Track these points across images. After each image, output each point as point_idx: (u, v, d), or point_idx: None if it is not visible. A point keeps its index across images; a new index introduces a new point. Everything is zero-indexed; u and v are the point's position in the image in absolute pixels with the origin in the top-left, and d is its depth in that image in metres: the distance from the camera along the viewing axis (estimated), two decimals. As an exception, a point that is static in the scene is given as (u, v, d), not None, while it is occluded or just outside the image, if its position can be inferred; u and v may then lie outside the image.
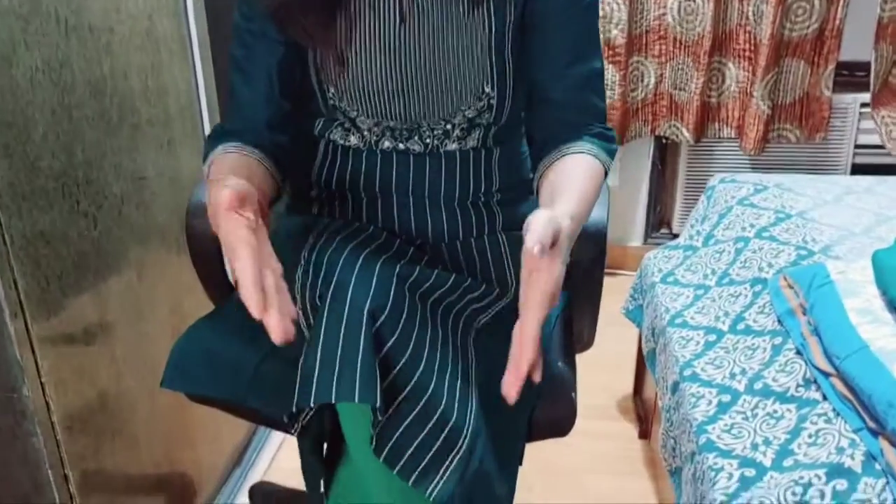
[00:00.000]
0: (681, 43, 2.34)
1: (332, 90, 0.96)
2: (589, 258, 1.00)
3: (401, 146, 0.99)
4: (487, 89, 0.94)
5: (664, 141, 2.55)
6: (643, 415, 1.86)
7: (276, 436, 1.81)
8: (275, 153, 0.99)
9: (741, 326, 1.30)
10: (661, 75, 2.41)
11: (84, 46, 1.07)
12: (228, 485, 1.63)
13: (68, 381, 1.06)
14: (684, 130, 2.43)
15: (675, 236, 2.62)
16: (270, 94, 0.98)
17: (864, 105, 2.32)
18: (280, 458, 1.76)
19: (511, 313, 0.96)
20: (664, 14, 2.33)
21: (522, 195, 1.07)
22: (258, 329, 0.97)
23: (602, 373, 1.88)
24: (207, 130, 1.46)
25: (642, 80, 2.42)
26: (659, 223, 2.74)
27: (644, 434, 1.83)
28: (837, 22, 2.20)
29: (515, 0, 0.92)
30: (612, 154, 0.96)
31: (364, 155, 1.01)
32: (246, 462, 1.71)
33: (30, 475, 1.04)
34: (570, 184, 0.88)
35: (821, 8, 2.20)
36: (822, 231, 1.48)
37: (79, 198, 1.08)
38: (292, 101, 1.00)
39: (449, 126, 0.97)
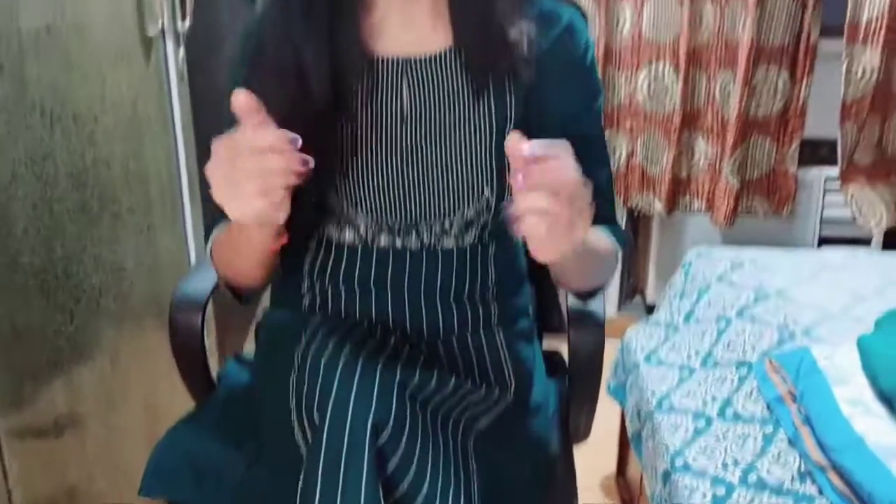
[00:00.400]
0: (651, 119, 2.40)
1: (331, 189, 0.95)
2: (589, 349, 0.99)
3: (397, 244, 0.98)
4: (486, 191, 0.94)
5: (636, 213, 2.59)
6: (628, 497, 1.83)
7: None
8: None
9: (730, 412, 1.30)
10: (633, 149, 2.46)
11: (68, 138, 1.06)
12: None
13: (36, 479, 1.01)
14: (657, 203, 2.47)
15: (650, 306, 2.64)
16: None
17: (828, 180, 2.38)
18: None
19: (511, 416, 0.94)
20: (635, 91, 2.39)
21: (517, 287, 1.06)
22: (244, 432, 0.93)
23: (584, 450, 1.86)
24: (188, 214, 1.44)
25: (615, 154, 2.46)
26: (632, 292, 2.75)
27: (628, 515, 1.80)
28: (801, 102, 2.28)
29: (515, 102, 0.93)
30: (621, 244, 0.98)
31: (359, 252, 0.99)
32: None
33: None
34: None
35: (784, 88, 2.28)
36: (802, 311, 1.49)
37: (57, 293, 1.04)
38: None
39: (447, 224, 0.96)
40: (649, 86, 2.36)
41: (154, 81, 1.29)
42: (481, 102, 0.91)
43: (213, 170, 0.70)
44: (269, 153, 0.68)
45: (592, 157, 0.96)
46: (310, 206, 1.00)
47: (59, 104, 1.03)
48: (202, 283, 1.02)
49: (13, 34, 0.93)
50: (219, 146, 0.69)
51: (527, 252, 1.04)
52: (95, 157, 1.12)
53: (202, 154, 1.48)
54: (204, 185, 1.47)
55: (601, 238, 0.95)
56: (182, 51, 1.35)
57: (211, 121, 1.55)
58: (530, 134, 0.94)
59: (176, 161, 1.39)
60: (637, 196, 2.50)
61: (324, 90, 0.88)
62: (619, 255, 0.99)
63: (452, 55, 0.91)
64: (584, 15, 0.97)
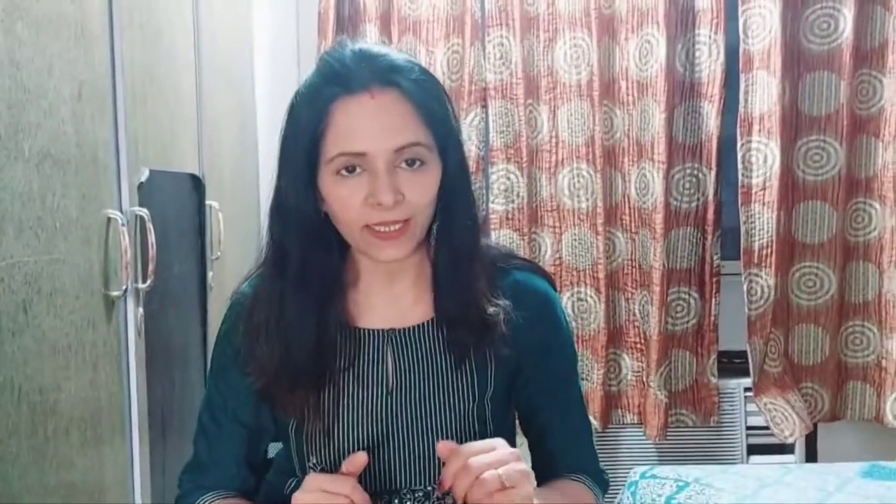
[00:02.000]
0: (578, 337, 2.52)
1: (313, 459, 0.95)
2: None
3: (377, 512, 0.98)
4: None
5: (571, 428, 2.64)
6: None
7: None
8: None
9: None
10: (563, 367, 2.55)
11: (33, 410, 1.04)
12: None
13: None
14: (591, 418, 2.53)
15: (593, 524, 2.61)
16: (238, 471, 1.00)
17: (747, 389, 2.52)
18: None
19: None
20: (560, 312, 2.53)
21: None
22: None
23: None
24: (137, 474, 1.39)
25: (545, 372, 2.55)
26: (574, 511, 2.73)
27: None
28: (712, 318, 2.46)
29: (496, 375, 0.97)
30: (602, 488, 1.02)
31: (339, 520, 0.99)
32: None
33: None
34: (559, 485, 0.98)
35: (696, 306, 2.47)
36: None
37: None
38: (256, 472, 1.02)
39: (430, 488, 0.97)
40: (573, 306, 2.51)
41: (114, 342, 1.30)
42: (462, 370, 0.96)
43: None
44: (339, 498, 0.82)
45: (576, 418, 1.03)
46: (287, 474, 1.00)
47: (27, 380, 1.02)
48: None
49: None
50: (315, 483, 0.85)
51: None
52: (56, 428, 1.10)
53: (152, 406, 1.45)
54: (153, 437, 1.44)
55: (577, 493, 0.99)
56: (141, 310, 1.37)
57: (163, 371, 1.54)
58: (514, 400, 1.01)
59: (129, 416, 1.36)
60: (571, 412, 2.56)
61: (307, 353, 0.92)
62: (601, 498, 1.02)
63: (434, 326, 0.97)
64: (554, 286, 1.05)
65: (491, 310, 0.93)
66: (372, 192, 0.85)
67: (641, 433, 2.54)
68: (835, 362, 2.47)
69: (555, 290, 1.04)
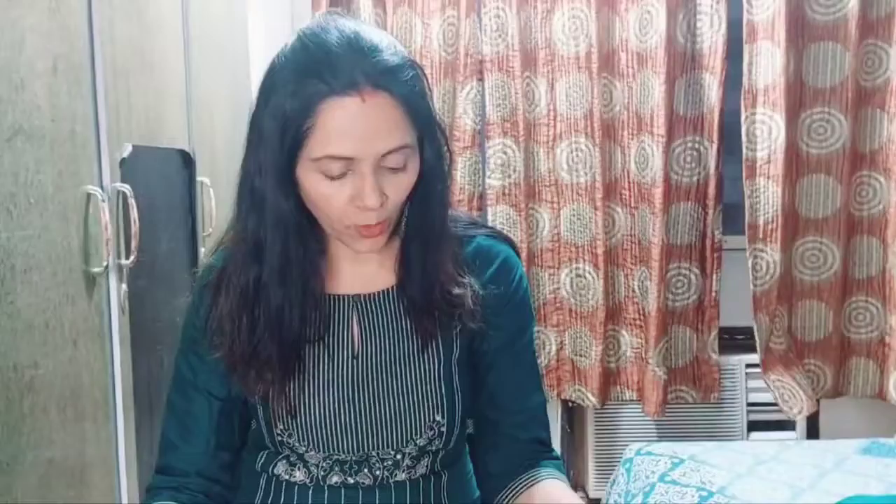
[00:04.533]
0: (577, 314, 2.50)
1: (279, 427, 0.95)
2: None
3: (349, 480, 0.97)
4: (438, 418, 0.96)
5: (570, 405, 2.63)
6: None
7: None
8: (203, 500, 0.97)
9: None
10: (562, 343, 2.53)
11: (7, 387, 1.03)
12: None
13: None
14: (589, 395, 2.52)
15: (593, 500, 2.60)
16: (208, 446, 0.98)
17: (748, 366, 2.50)
18: None
19: None
20: (558, 288, 2.51)
21: (470, 514, 1.05)
22: None
23: None
24: (122, 451, 1.38)
25: (544, 348, 2.53)
26: (574, 487, 2.72)
27: None
28: (713, 294, 2.43)
29: (461, 337, 0.97)
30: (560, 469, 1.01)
31: (310, 492, 0.98)
32: None
33: None
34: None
35: (697, 282, 2.44)
36: (747, 511, 1.52)
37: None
38: (230, 446, 1.00)
39: (399, 456, 0.96)
40: (571, 283, 2.49)
41: (95, 320, 1.29)
42: (428, 342, 0.95)
43: None
44: None
45: (526, 384, 1.01)
46: (259, 442, 1.00)
47: (1, 356, 1.02)
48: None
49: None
50: None
51: (480, 484, 1.05)
52: (34, 405, 1.09)
53: (138, 387, 1.45)
54: (140, 419, 1.44)
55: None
56: (125, 286, 1.36)
57: (148, 352, 1.54)
58: (474, 362, 0.99)
59: (112, 398, 1.35)
60: (570, 388, 2.55)
61: (278, 347, 0.91)
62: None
63: (398, 291, 0.96)
64: (517, 251, 1.05)
65: (456, 291, 0.92)
66: (358, 194, 0.84)
67: (640, 410, 2.53)
68: (838, 338, 2.44)
69: (517, 255, 1.03)
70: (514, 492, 0.98)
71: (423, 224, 0.93)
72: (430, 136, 0.90)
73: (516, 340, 1.01)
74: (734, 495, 1.59)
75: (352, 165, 0.84)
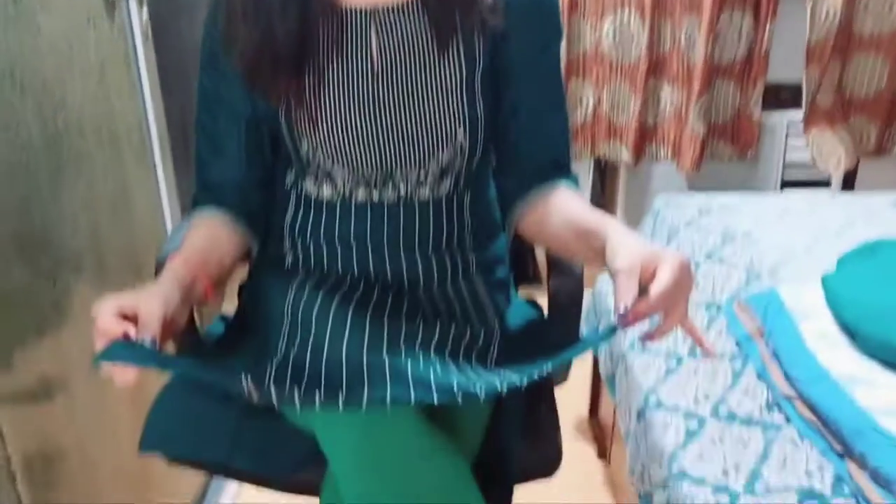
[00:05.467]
0: (617, 67, 2.41)
1: (305, 144, 0.96)
2: (568, 294, 1.02)
3: (375, 197, 1.00)
4: (460, 134, 0.96)
5: (603, 163, 2.62)
6: (600, 436, 1.90)
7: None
8: (247, 214, 1.00)
9: (700, 351, 1.35)
10: (599, 98, 2.47)
11: (39, 104, 1.04)
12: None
13: (29, 441, 1.02)
14: (624, 152, 2.50)
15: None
16: (239, 160, 1.00)
17: (790, 124, 2.43)
18: (241, 498, 1.73)
19: (512, 342, 0.97)
20: (600, 40, 2.40)
21: (492, 237, 1.09)
22: (227, 363, 0.96)
23: (558, 394, 1.91)
24: (161, 176, 1.43)
25: (581, 104, 2.48)
26: (602, 241, 2.80)
27: (602, 454, 1.87)
28: (764, 45, 2.31)
29: (484, 47, 0.94)
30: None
31: (338, 207, 1.01)
32: (208, 507, 1.68)
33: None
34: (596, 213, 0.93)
35: (748, 32, 2.30)
36: (768, 252, 1.55)
37: (38, 259, 1.04)
38: (262, 162, 1.01)
39: (423, 173, 0.98)
40: (614, 34, 2.37)
41: (120, 44, 1.27)
42: (450, 48, 0.93)
43: None
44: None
45: (547, 100, 0.99)
46: (286, 160, 1.02)
47: (28, 72, 1.02)
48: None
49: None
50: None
51: (500, 205, 1.07)
52: (67, 122, 1.11)
53: (172, 116, 1.47)
54: (175, 147, 1.47)
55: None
56: (145, 12, 1.33)
57: (178, 81, 1.53)
58: (496, 79, 0.96)
59: (146, 123, 1.38)
60: (604, 146, 2.53)
61: (290, 34, 0.89)
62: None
63: (418, 3, 0.93)
64: None
65: None
66: None
67: (674, 168, 2.52)
68: (889, 95, 2.34)
69: None
70: (528, 205, 1.00)
71: None
72: None
73: (540, 55, 0.97)
74: (758, 239, 1.61)
75: None
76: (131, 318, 0.76)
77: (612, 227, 0.84)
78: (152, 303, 0.77)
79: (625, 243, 0.79)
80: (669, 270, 0.75)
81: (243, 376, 0.75)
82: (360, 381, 0.78)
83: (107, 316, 0.74)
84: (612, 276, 0.78)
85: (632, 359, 1.44)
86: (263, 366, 0.83)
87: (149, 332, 0.75)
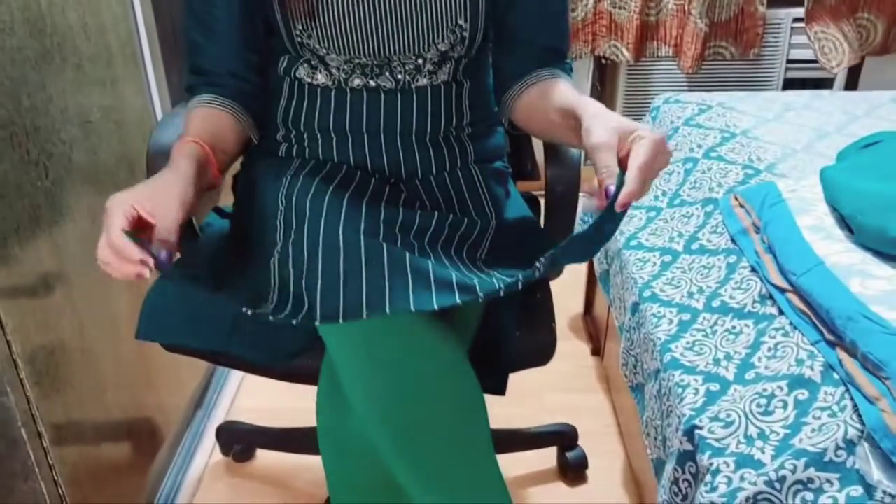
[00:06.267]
0: (619, -40, 2.33)
1: (299, 27, 0.92)
2: (564, 185, 1.01)
3: (371, 83, 0.97)
4: (461, 21, 0.93)
5: (603, 62, 2.56)
6: (594, 334, 1.93)
7: (235, 377, 1.81)
8: (244, 101, 0.98)
9: (695, 246, 1.35)
10: (600, -6, 2.40)
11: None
12: (192, 427, 1.63)
13: (31, 334, 1.03)
14: (624, 50, 2.44)
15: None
16: (232, 45, 0.97)
17: (795, 20, 2.37)
18: (240, 398, 1.76)
19: (504, 238, 0.97)
20: (602, -70, 2.30)
21: (491, 128, 1.07)
22: (230, 275, 0.96)
23: (553, 292, 1.94)
24: (150, 68, 1.39)
25: (582, 0, 2.41)
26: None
27: (596, 352, 1.91)
28: (772, -63, 2.22)
29: None
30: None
31: (333, 93, 0.99)
32: (207, 404, 1.71)
33: (2, 434, 1.02)
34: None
35: (756, -77, 2.21)
36: (767, 149, 1.53)
37: (28, 146, 1.02)
38: (255, 47, 0.98)
39: (420, 60, 0.95)
40: (618, -76, 2.28)
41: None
42: None
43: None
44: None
45: None
46: (278, 45, 0.98)
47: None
48: (175, 134, 1.01)
49: None
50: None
51: (496, 90, 1.05)
52: (51, 3, 1.07)
53: (159, 8, 1.41)
54: (164, 42, 1.42)
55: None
56: None
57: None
58: None
59: (133, 15, 1.32)
60: (604, 44, 2.47)
61: None
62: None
63: None
64: None
65: None
66: None
67: (674, 66, 2.46)
68: (899, -8, 2.27)
69: None
70: (525, 88, 0.98)
71: None
72: None
73: None
74: (757, 137, 1.59)
75: None
76: (145, 223, 0.73)
77: (587, 104, 0.82)
78: (170, 205, 0.75)
79: (600, 118, 0.77)
80: (648, 144, 0.73)
81: (245, 309, 0.77)
82: (359, 291, 0.77)
83: (119, 222, 0.71)
84: (590, 153, 0.76)
85: (627, 255, 1.44)
86: (265, 293, 0.82)
87: (165, 243, 0.72)
